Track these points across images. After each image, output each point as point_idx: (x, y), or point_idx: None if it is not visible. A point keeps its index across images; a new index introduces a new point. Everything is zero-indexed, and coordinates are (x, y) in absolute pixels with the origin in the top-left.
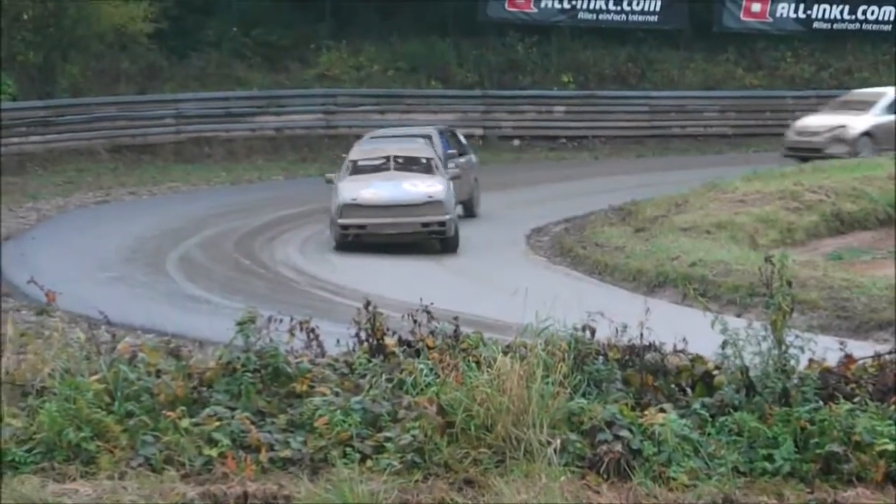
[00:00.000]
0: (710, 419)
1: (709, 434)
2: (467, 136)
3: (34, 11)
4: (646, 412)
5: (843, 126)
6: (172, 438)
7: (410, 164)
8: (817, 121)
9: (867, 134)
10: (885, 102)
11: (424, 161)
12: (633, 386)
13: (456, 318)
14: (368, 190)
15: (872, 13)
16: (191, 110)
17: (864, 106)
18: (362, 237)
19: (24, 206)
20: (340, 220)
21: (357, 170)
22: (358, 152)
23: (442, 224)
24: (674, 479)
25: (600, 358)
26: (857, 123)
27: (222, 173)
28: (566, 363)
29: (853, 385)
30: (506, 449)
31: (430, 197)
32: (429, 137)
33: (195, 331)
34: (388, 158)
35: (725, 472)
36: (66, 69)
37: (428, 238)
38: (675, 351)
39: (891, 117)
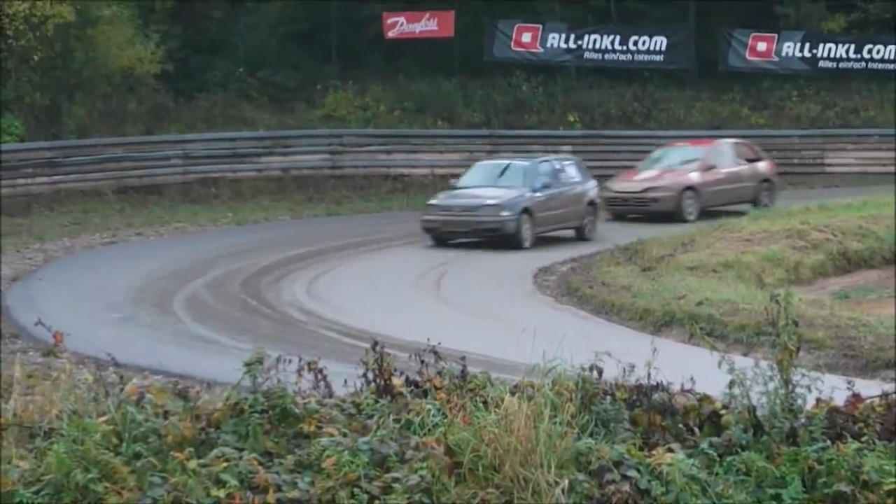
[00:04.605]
0: (717, 459)
1: (717, 474)
2: None
3: (42, 54)
4: (654, 452)
5: None
6: (180, 479)
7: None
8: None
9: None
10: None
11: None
12: (640, 426)
13: (463, 358)
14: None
15: (878, 52)
16: (197, 151)
17: None
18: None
19: (31, 248)
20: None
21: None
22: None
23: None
24: None
25: (608, 398)
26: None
27: (229, 214)
28: (574, 403)
29: (861, 424)
30: (513, 489)
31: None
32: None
33: (203, 371)
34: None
35: None
36: (73, 110)
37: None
38: (683, 391)
39: None
